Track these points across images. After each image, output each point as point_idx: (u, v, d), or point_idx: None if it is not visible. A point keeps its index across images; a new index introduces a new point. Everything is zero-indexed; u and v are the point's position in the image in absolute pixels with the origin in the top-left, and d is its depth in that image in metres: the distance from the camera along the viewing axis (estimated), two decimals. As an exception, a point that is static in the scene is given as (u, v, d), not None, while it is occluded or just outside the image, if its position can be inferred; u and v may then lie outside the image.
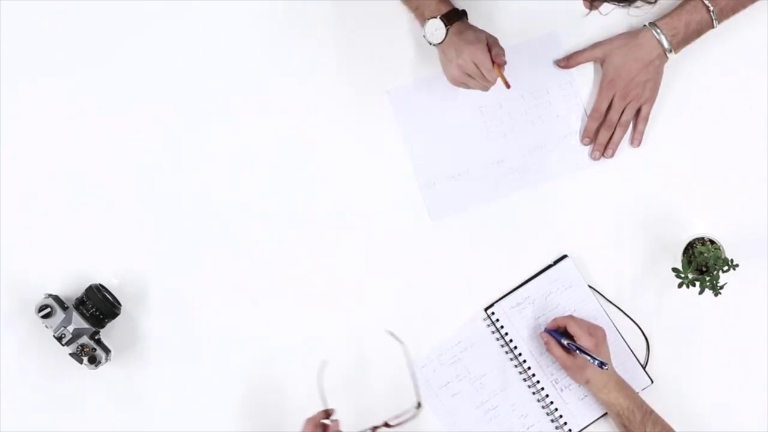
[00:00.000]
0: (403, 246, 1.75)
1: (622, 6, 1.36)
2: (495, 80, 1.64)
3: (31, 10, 1.75)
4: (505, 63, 1.64)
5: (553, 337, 1.70)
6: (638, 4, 1.36)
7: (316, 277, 1.75)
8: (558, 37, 1.76)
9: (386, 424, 1.59)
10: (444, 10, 1.64)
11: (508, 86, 1.64)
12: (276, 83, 1.76)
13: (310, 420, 1.59)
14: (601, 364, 1.62)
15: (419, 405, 1.58)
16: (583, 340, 1.66)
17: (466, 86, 1.66)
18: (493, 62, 1.62)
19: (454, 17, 1.64)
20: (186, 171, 1.76)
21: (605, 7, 1.40)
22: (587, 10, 1.40)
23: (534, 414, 1.74)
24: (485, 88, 1.65)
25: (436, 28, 1.63)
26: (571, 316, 1.71)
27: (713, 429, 1.73)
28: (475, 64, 1.62)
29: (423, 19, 1.65)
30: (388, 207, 1.76)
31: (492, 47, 1.63)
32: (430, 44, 1.65)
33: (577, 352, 1.65)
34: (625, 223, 1.75)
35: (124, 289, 1.74)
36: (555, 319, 1.71)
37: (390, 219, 1.76)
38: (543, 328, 1.73)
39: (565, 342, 1.67)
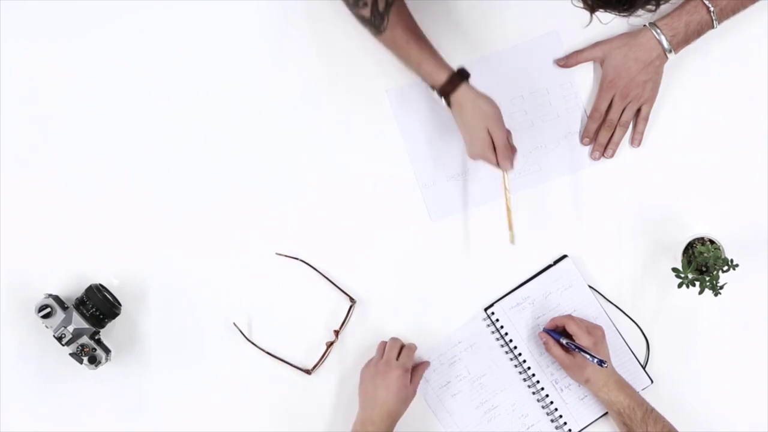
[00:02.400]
0: (403, 246, 1.75)
1: (623, 16, 1.36)
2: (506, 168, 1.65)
3: (35, 14, 1.76)
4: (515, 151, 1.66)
5: (552, 336, 1.70)
6: (639, 13, 1.37)
7: (316, 277, 1.75)
8: (558, 37, 1.76)
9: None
10: (440, 79, 1.61)
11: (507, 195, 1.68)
12: (276, 83, 1.76)
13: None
14: (601, 362, 1.62)
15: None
16: (582, 339, 1.66)
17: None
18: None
19: (457, 81, 1.62)
20: (186, 171, 1.76)
21: (606, 16, 1.40)
22: (588, 18, 1.40)
23: (534, 414, 1.74)
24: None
25: (438, 98, 1.64)
26: (569, 316, 1.71)
27: (713, 429, 1.73)
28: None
29: (430, 85, 1.65)
30: (388, 207, 1.76)
31: (498, 152, 1.63)
32: None
33: (576, 351, 1.65)
34: (625, 223, 1.75)
35: (124, 289, 1.74)
36: (553, 319, 1.71)
37: (390, 219, 1.76)
38: (542, 329, 1.73)
39: (564, 341, 1.67)
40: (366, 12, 1.59)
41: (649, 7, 1.34)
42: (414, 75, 1.66)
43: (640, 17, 1.37)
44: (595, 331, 1.68)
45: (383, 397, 1.64)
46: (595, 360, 1.63)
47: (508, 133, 1.66)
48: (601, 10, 1.35)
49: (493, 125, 1.62)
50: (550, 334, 1.70)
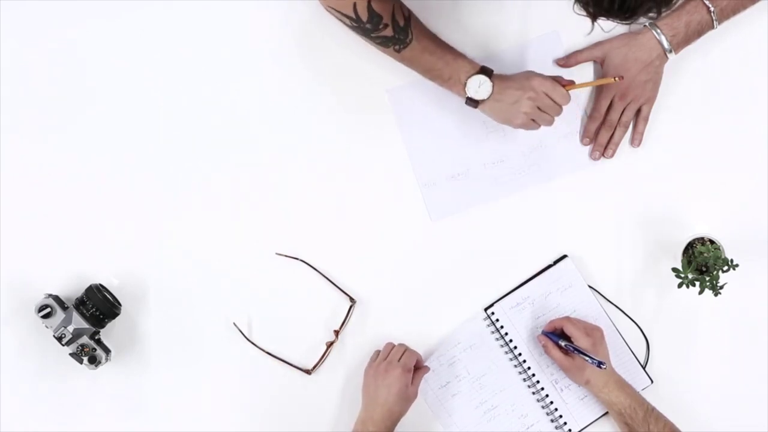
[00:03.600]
0: (403, 246, 1.75)
1: (625, 23, 1.37)
2: (567, 102, 1.64)
3: (35, 11, 1.76)
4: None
5: (551, 339, 1.70)
6: (641, 20, 1.37)
7: (316, 277, 1.75)
8: (558, 37, 1.76)
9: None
10: (477, 67, 1.64)
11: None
12: (276, 83, 1.76)
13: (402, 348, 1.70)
14: (600, 364, 1.62)
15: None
16: (581, 341, 1.66)
17: (534, 125, 1.66)
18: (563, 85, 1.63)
19: (489, 72, 1.64)
20: (186, 171, 1.76)
21: (608, 23, 1.40)
22: (591, 26, 1.41)
23: (534, 414, 1.74)
24: (552, 122, 1.66)
25: (480, 84, 1.63)
26: (567, 318, 1.71)
27: (713, 429, 1.73)
28: (546, 94, 1.62)
29: (461, 83, 1.64)
30: (388, 207, 1.76)
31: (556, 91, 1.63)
32: (477, 104, 1.65)
33: (575, 353, 1.65)
34: (625, 223, 1.75)
35: (124, 289, 1.74)
36: (551, 321, 1.71)
37: (390, 219, 1.76)
38: (540, 331, 1.73)
39: (562, 344, 1.67)
40: (388, 31, 1.61)
41: (651, 14, 1.35)
42: (429, 81, 1.67)
43: (639, 23, 1.38)
44: (593, 332, 1.68)
45: (384, 397, 1.64)
46: (594, 362, 1.62)
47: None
48: (602, 18, 1.36)
49: (539, 77, 1.63)
50: (548, 337, 1.70)
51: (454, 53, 1.65)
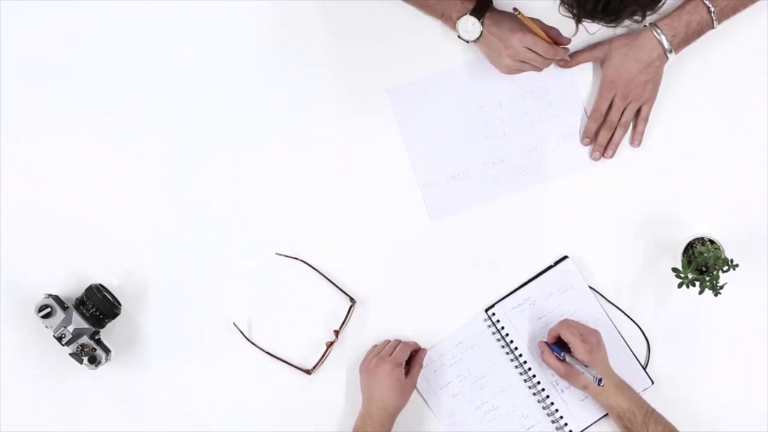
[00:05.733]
0: (403, 246, 1.75)
1: (610, 26, 1.37)
2: (554, 55, 1.65)
3: (35, 12, 1.76)
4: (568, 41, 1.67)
5: (549, 347, 1.69)
6: (626, 23, 1.37)
7: (316, 277, 1.75)
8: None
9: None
10: (470, 6, 1.65)
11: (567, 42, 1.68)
12: (276, 83, 1.76)
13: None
14: (599, 381, 1.59)
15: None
16: (578, 349, 1.64)
17: (520, 71, 1.67)
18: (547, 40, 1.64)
19: (484, 8, 1.64)
20: (186, 172, 1.76)
21: (593, 26, 1.41)
22: (574, 28, 1.42)
23: (534, 415, 1.74)
24: (540, 69, 1.67)
25: (471, 25, 1.64)
26: (564, 323, 1.70)
27: (713, 429, 1.73)
28: (528, 48, 1.63)
29: (452, 21, 1.66)
30: (388, 207, 1.76)
31: (547, 31, 1.63)
32: (468, 43, 1.66)
33: (572, 363, 1.65)
34: (625, 223, 1.75)
35: (124, 289, 1.74)
36: (550, 331, 1.71)
37: (390, 219, 1.76)
38: (541, 338, 1.72)
39: (561, 355, 1.67)
40: None
41: (635, 18, 1.35)
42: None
43: (626, 27, 1.38)
44: (590, 337, 1.67)
45: (378, 393, 1.65)
46: (594, 378, 1.60)
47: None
48: (587, 20, 1.36)
49: (520, 33, 1.63)
50: (547, 344, 1.70)
51: None
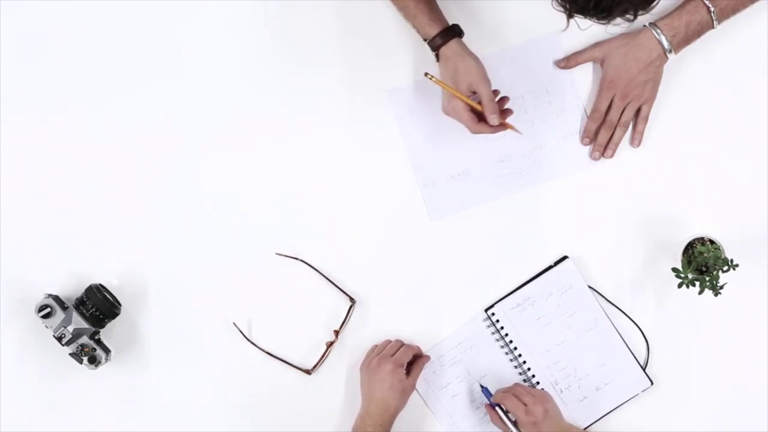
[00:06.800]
0: (403, 246, 1.75)
1: (601, 23, 1.37)
2: (476, 132, 1.65)
3: (35, 13, 1.76)
4: (509, 113, 1.69)
5: (495, 408, 1.68)
6: (617, 21, 1.37)
7: (316, 277, 1.75)
8: (558, 37, 1.76)
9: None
10: (432, 32, 1.65)
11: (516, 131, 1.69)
12: (276, 83, 1.76)
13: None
14: None
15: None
16: (522, 422, 1.63)
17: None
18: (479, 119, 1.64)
19: (447, 36, 1.65)
20: (186, 172, 1.76)
21: (584, 22, 1.41)
22: (566, 23, 1.42)
23: (534, 415, 1.74)
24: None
25: (431, 50, 1.66)
26: (512, 389, 1.68)
27: (713, 429, 1.73)
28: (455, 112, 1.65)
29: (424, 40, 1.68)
30: (388, 207, 1.76)
31: (484, 106, 1.63)
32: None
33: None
34: (625, 223, 1.75)
35: (124, 289, 1.74)
36: (496, 392, 1.70)
37: (390, 219, 1.76)
38: (487, 401, 1.71)
39: (499, 410, 1.67)
40: None
41: (627, 16, 1.35)
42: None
43: (618, 26, 1.38)
44: (535, 408, 1.63)
45: (378, 393, 1.65)
46: None
47: (504, 98, 1.68)
48: (578, 15, 1.36)
49: (479, 80, 1.63)
50: (492, 407, 1.69)
51: (421, 8, 1.65)
